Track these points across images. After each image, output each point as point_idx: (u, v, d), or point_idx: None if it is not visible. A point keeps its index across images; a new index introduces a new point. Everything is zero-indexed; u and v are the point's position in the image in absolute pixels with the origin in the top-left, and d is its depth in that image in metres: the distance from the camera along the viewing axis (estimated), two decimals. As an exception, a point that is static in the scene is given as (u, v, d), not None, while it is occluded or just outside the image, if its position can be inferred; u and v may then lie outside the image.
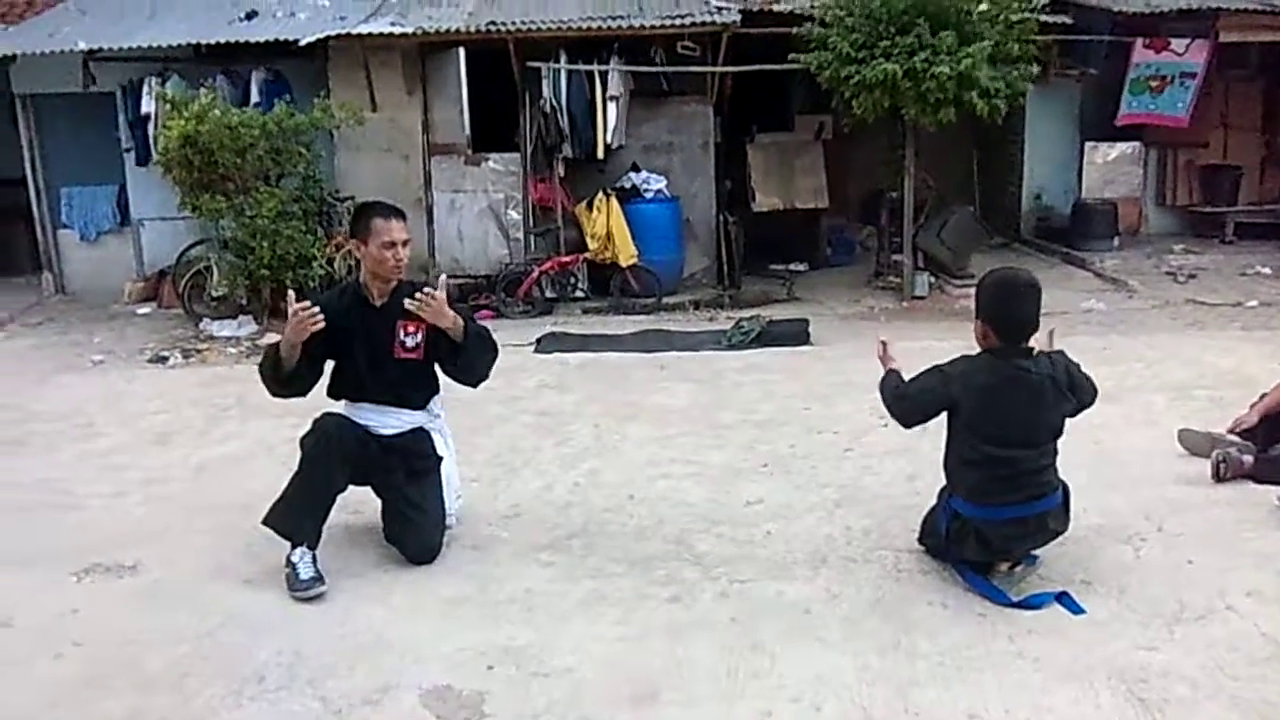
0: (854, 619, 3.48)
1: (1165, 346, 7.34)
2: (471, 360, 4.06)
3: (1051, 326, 3.79)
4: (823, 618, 3.50)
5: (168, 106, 9.31)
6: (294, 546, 3.84)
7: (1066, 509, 3.69)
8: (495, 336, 4.19)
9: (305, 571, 3.79)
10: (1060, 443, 3.65)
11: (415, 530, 4.05)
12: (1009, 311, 3.56)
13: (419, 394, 4.18)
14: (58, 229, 11.47)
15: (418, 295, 3.86)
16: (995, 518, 3.58)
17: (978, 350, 3.66)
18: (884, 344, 4.03)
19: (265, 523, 3.91)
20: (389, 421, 4.12)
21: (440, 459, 4.21)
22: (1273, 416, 4.75)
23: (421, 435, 4.19)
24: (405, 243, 4.00)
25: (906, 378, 3.81)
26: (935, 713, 2.91)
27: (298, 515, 3.89)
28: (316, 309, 3.82)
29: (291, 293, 3.99)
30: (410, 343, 4.04)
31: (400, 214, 4.07)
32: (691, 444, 5.49)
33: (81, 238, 11.48)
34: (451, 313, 3.93)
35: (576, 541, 4.23)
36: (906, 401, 3.75)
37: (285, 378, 3.98)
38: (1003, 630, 3.35)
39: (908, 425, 3.82)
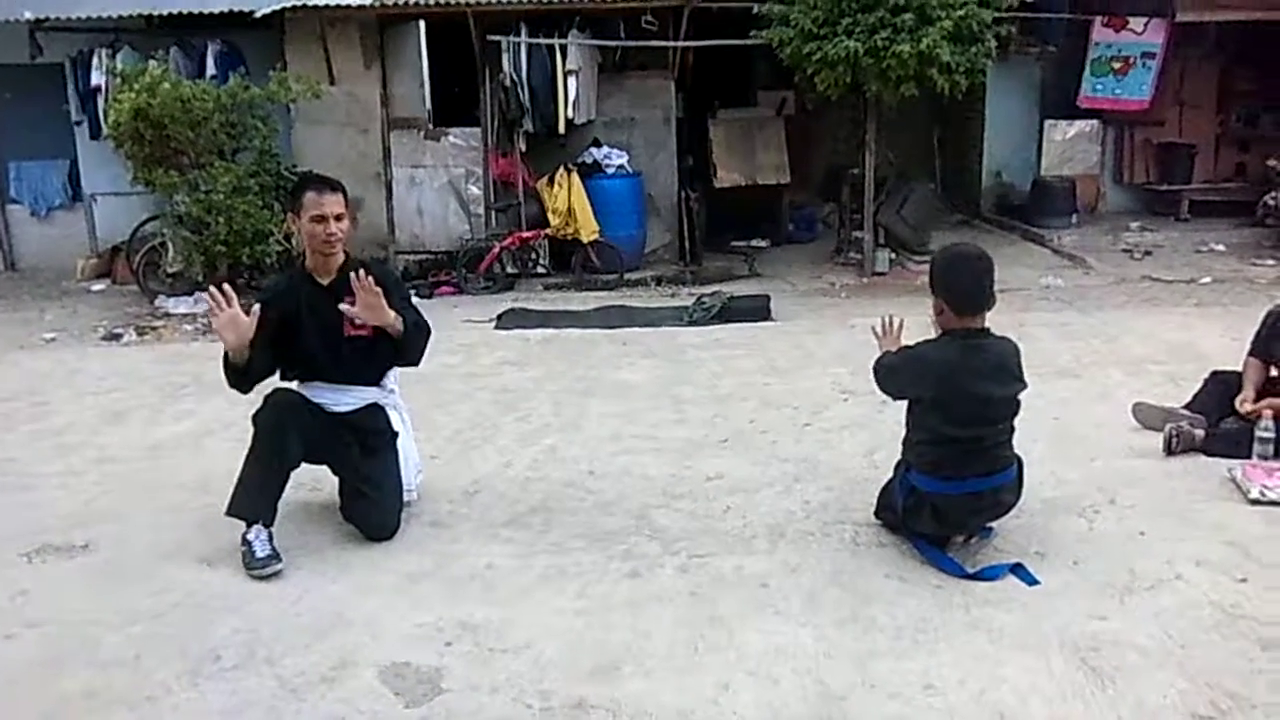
0: (812, 592, 3.50)
1: (1122, 322, 7.44)
2: (407, 347, 4.03)
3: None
4: (781, 591, 3.52)
5: (118, 79, 9.12)
6: (249, 525, 3.80)
7: (1020, 483, 3.74)
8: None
9: (261, 549, 3.75)
10: (1020, 416, 3.69)
11: (372, 507, 4.03)
12: (963, 285, 3.60)
13: (372, 370, 4.13)
14: (7, 204, 11.24)
15: (356, 277, 3.81)
16: (952, 492, 3.61)
17: (937, 333, 3.68)
18: (891, 321, 4.01)
19: (229, 513, 3.83)
20: (343, 399, 4.09)
21: (396, 434, 4.18)
22: (1220, 390, 4.83)
23: (376, 411, 4.15)
24: (339, 217, 3.90)
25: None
26: (893, 683, 2.94)
27: (254, 494, 3.84)
28: (227, 297, 3.77)
29: (211, 288, 3.84)
30: (359, 321, 3.96)
31: (336, 187, 3.96)
32: (652, 419, 5.49)
33: (32, 213, 11.25)
34: (390, 313, 3.87)
35: (536, 517, 4.22)
36: (893, 380, 3.79)
37: (243, 369, 3.89)
38: (959, 602, 3.39)
39: (891, 398, 3.86)
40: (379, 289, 3.82)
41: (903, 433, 3.81)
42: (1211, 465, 4.48)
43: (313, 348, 4.01)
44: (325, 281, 4.02)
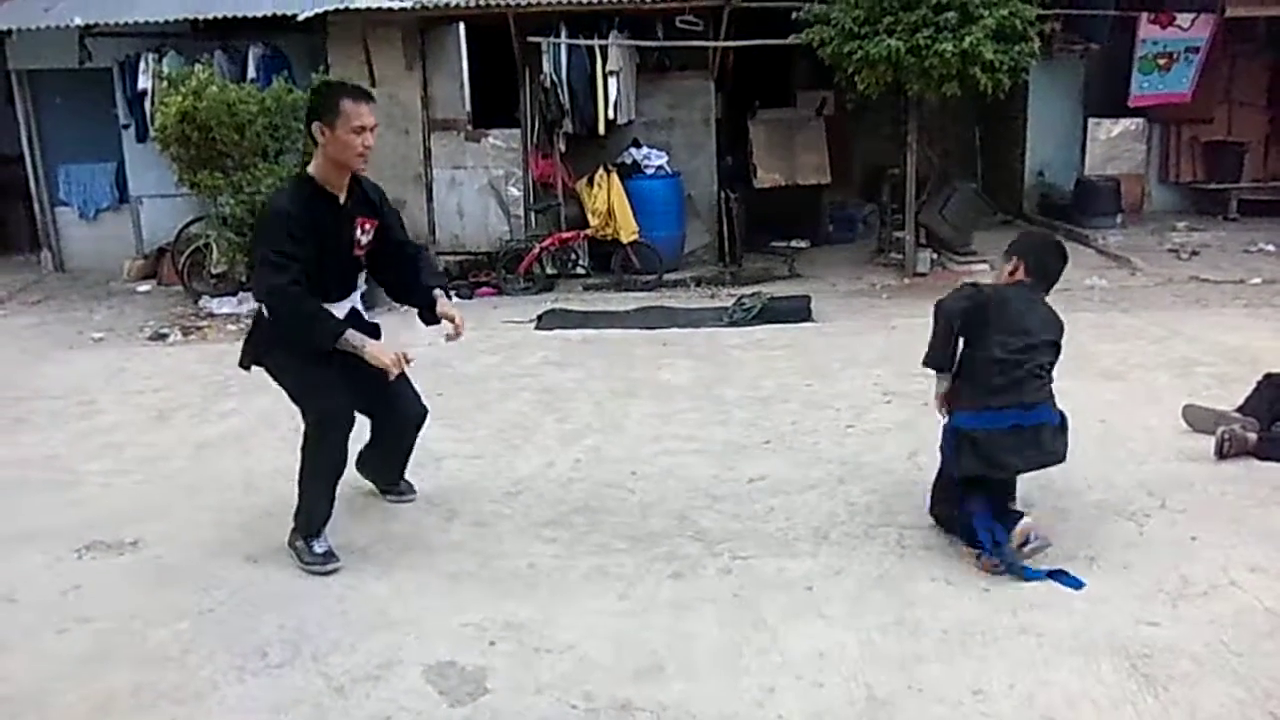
0: (857, 595, 3.47)
1: (1168, 324, 7.31)
2: (427, 268, 4.13)
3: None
4: (825, 594, 3.49)
5: (164, 83, 9.24)
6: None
7: (1064, 432, 3.76)
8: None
9: (320, 546, 3.80)
10: (1067, 414, 3.73)
11: (397, 399, 4.03)
12: (1047, 262, 3.93)
13: (356, 281, 4.05)
14: (56, 206, 11.42)
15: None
16: (993, 426, 3.64)
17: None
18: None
19: (312, 536, 3.84)
20: (337, 313, 3.90)
21: (376, 325, 4.11)
22: (1273, 392, 4.74)
23: (356, 315, 4.03)
24: (374, 128, 3.76)
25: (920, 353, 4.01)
26: (939, 689, 2.91)
27: (326, 510, 3.89)
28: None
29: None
30: (364, 240, 3.91)
31: (369, 97, 3.77)
32: (694, 420, 5.48)
33: (80, 215, 11.43)
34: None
35: (579, 517, 4.22)
36: (958, 297, 3.83)
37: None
38: (1006, 605, 3.35)
39: (950, 329, 3.83)
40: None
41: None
42: (1265, 469, 4.40)
43: (327, 266, 3.81)
44: (341, 197, 3.82)
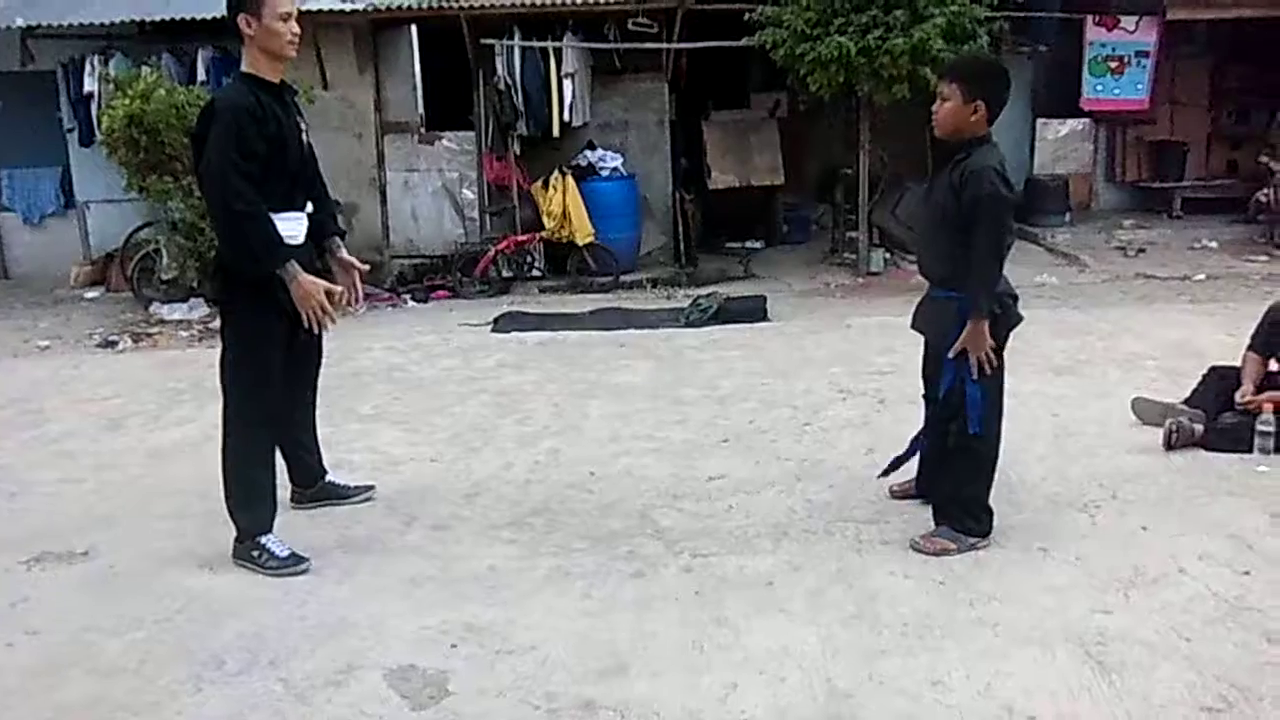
0: (816, 590, 3.50)
1: (1117, 320, 7.45)
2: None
3: None
4: (786, 590, 3.51)
5: (111, 86, 9.10)
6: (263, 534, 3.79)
7: None
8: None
9: (281, 550, 3.75)
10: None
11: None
12: (1004, 99, 3.71)
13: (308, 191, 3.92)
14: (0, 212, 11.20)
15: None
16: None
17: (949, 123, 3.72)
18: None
19: (258, 534, 3.77)
20: (297, 228, 3.80)
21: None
22: (1219, 384, 4.84)
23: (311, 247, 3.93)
24: (297, 16, 3.67)
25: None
26: (899, 681, 2.94)
27: (270, 503, 3.84)
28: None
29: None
30: (306, 139, 3.83)
31: None
32: (652, 421, 5.49)
33: (24, 220, 11.24)
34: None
35: (538, 519, 4.21)
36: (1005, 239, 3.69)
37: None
38: (963, 598, 3.39)
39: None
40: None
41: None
42: (1211, 460, 4.50)
43: (283, 165, 3.67)
44: (276, 81, 3.72)
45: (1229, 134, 12.00)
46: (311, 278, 3.65)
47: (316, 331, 3.77)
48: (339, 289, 3.80)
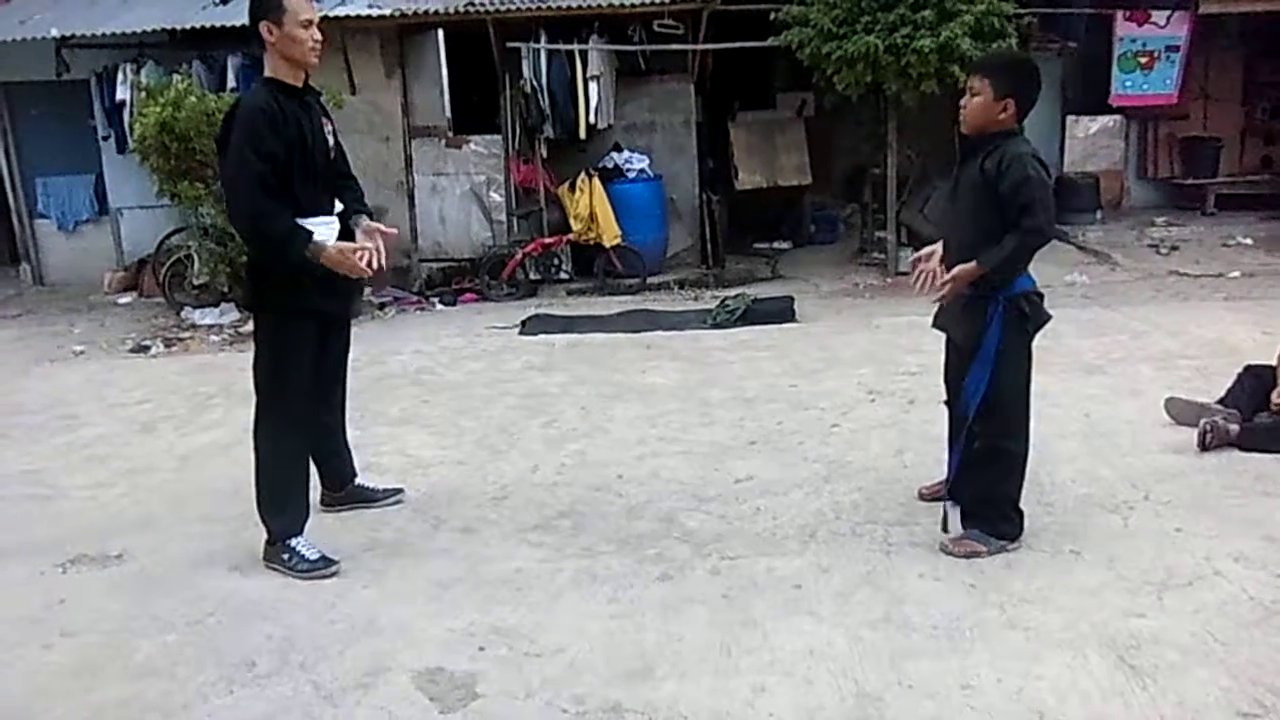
0: (845, 593, 3.48)
1: (1149, 318, 7.36)
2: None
3: None
4: (814, 592, 3.50)
5: (143, 94, 9.21)
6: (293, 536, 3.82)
7: None
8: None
9: (311, 553, 3.78)
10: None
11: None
12: (1034, 98, 3.63)
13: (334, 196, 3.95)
14: (34, 219, 11.37)
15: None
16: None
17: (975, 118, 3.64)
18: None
19: (288, 537, 3.81)
20: (328, 232, 3.80)
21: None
22: (1254, 384, 4.78)
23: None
24: (323, 22, 3.68)
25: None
26: (928, 684, 2.92)
27: (303, 506, 3.87)
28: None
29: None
30: (332, 141, 3.84)
31: None
32: (679, 423, 5.48)
33: (59, 227, 11.39)
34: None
35: (566, 521, 4.22)
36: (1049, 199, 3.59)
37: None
38: (994, 600, 3.36)
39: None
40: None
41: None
42: (1246, 460, 4.43)
43: (307, 169, 3.70)
44: (298, 84, 3.73)
45: (1263, 129, 11.83)
46: (338, 243, 3.70)
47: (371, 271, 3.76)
48: (367, 246, 3.78)
